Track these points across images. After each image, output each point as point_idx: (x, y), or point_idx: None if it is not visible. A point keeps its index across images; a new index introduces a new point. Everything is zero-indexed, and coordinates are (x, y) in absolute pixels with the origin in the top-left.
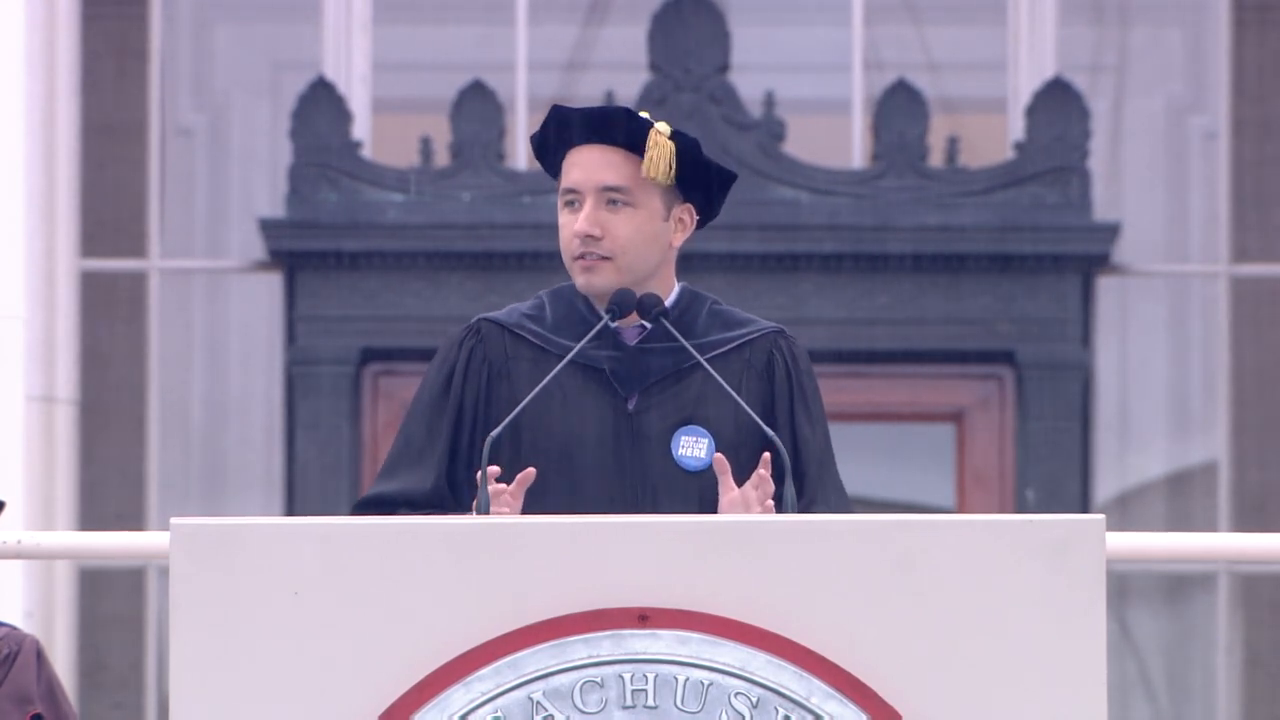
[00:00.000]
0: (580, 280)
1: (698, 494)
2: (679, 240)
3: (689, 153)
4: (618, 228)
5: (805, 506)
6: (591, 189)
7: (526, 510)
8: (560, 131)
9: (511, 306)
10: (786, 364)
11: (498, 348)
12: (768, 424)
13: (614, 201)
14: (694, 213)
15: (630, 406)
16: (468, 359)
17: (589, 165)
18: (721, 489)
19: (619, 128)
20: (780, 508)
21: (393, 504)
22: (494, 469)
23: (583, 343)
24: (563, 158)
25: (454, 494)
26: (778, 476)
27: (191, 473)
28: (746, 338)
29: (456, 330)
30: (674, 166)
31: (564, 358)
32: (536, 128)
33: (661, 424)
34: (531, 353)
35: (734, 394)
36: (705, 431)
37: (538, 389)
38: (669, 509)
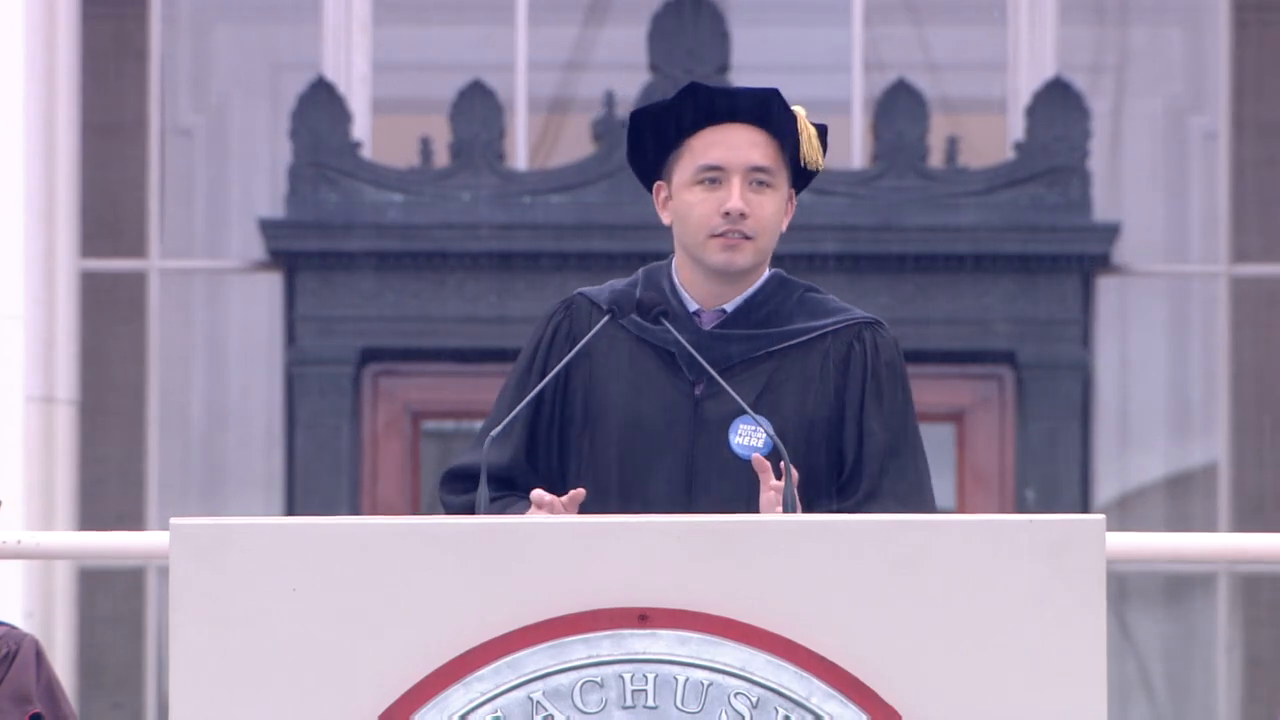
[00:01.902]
0: (720, 258)
1: (750, 482)
2: (786, 225)
3: (823, 138)
4: (762, 208)
5: (860, 502)
6: (740, 168)
7: (588, 485)
8: (699, 107)
9: (610, 282)
10: (865, 356)
11: (585, 324)
12: (839, 415)
13: (760, 182)
14: (794, 197)
15: (697, 392)
16: (553, 334)
17: (737, 144)
18: (761, 487)
19: (770, 109)
20: (783, 508)
21: (474, 477)
22: (580, 492)
23: (585, 339)
24: (684, 135)
25: (534, 466)
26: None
27: (191, 473)
28: (829, 328)
29: (552, 304)
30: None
31: (639, 337)
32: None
33: (724, 411)
34: (616, 331)
35: (745, 406)
36: (764, 421)
37: (543, 384)
38: (721, 496)
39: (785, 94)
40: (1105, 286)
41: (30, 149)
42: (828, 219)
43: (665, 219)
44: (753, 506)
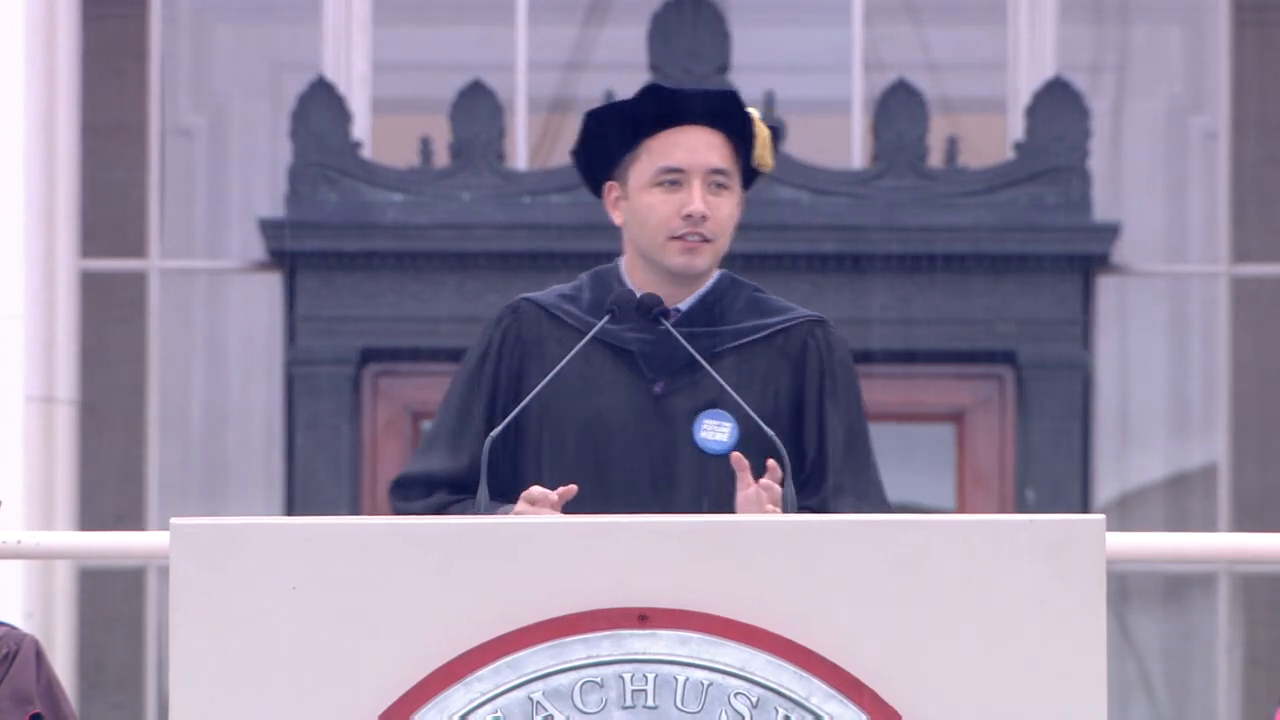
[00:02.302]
0: (680, 261)
1: (721, 477)
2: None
3: (775, 140)
4: (720, 210)
5: (828, 496)
6: (700, 170)
7: (553, 487)
8: (658, 108)
9: (553, 287)
10: (820, 352)
11: (533, 327)
12: (796, 413)
13: (719, 184)
14: (743, 198)
15: (657, 389)
16: (502, 338)
17: (697, 146)
18: (739, 485)
19: (728, 111)
20: (782, 507)
21: (429, 483)
22: (571, 488)
23: (581, 343)
24: (641, 136)
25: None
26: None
27: (191, 473)
28: (781, 325)
29: (499, 309)
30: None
31: (596, 338)
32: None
33: (686, 407)
34: (567, 334)
35: (735, 395)
36: (729, 416)
37: (541, 385)
38: (690, 492)
39: (785, 94)
40: (1105, 286)
41: (30, 149)
42: (828, 219)
43: (617, 219)
44: (721, 500)
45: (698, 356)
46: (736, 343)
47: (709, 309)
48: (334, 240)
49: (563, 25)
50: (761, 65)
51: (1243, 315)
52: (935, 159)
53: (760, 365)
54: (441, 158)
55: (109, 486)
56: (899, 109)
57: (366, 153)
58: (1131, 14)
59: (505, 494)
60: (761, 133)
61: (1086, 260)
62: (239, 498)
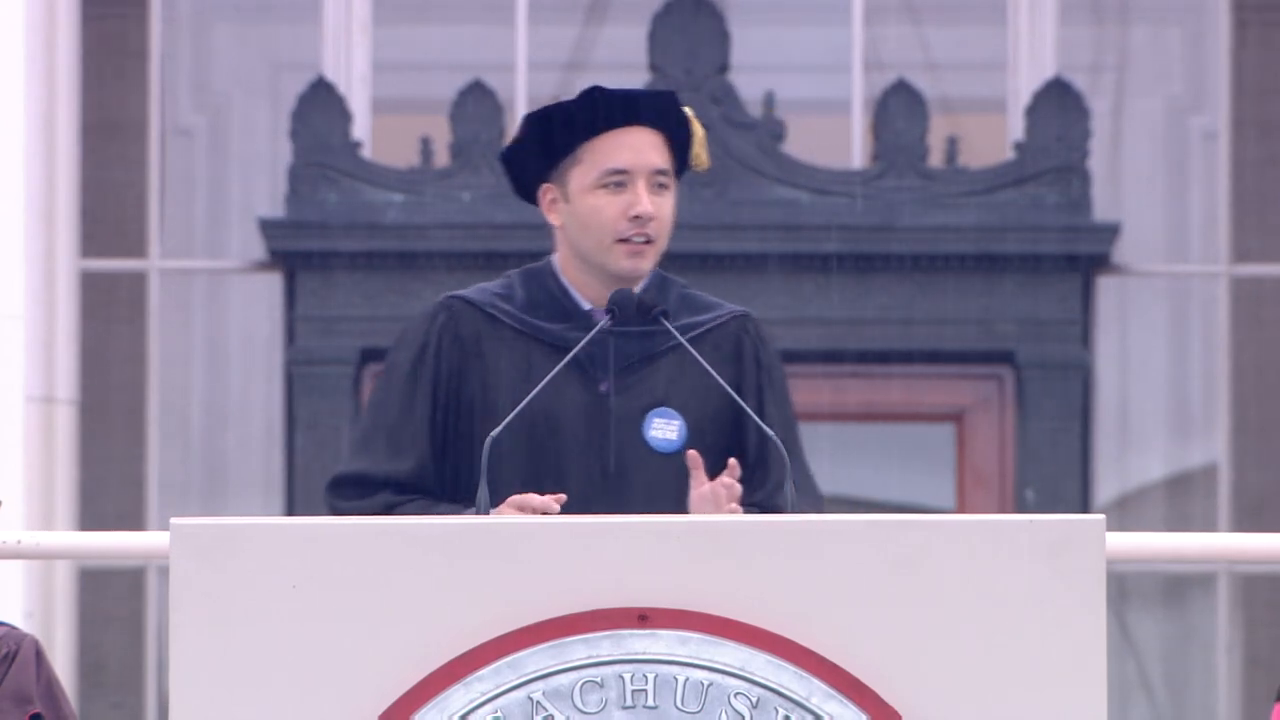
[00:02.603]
0: (626, 265)
1: (671, 475)
2: None
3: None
4: (663, 210)
5: (772, 492)
6: (645, 171)
7: (505, 490)
8: (601, 111)
9: (479, 286)
10: (755, 346)
11: (470, 326)
12: (734, 405)
13: (661, 185)
14: None
15: (603, 389)
16: (439, 336)
17: (640, 147)
18: (692, 483)
19: (668, 112)
20: (782, 507)
21: (370, 483)
22: (560, 497)
23: (582, 344)
24: (582, 139)
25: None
26: (779, 477)
27: (191, 473)
28: (716, 321)
29: (426, 307)
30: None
31: (537, 338)
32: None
33: (634, 406)
34: (504, 332)
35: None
36: (677, 414)
37: (541, 385)
38: (641, 490)
39: (785, 94)
40: (1105, 286)
41: (30, 149)
42: (828, 219)
43: (554, 221)
44: (675, 498)
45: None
46: (678, 340)
47: (646, 308)
48: (334, 240)
49: (563, 25)
50: (761, 65)
51: (1243, 315)
52: (935, 159)
53: (697, 361)
54: (441, 158)
55: (109, 486)
56: (899, 109)
57: (366, 153)
58: (1131, 14)
59: (445, 496)
60: (698, 132)
61: (1086, 260)
62: (239, 498)
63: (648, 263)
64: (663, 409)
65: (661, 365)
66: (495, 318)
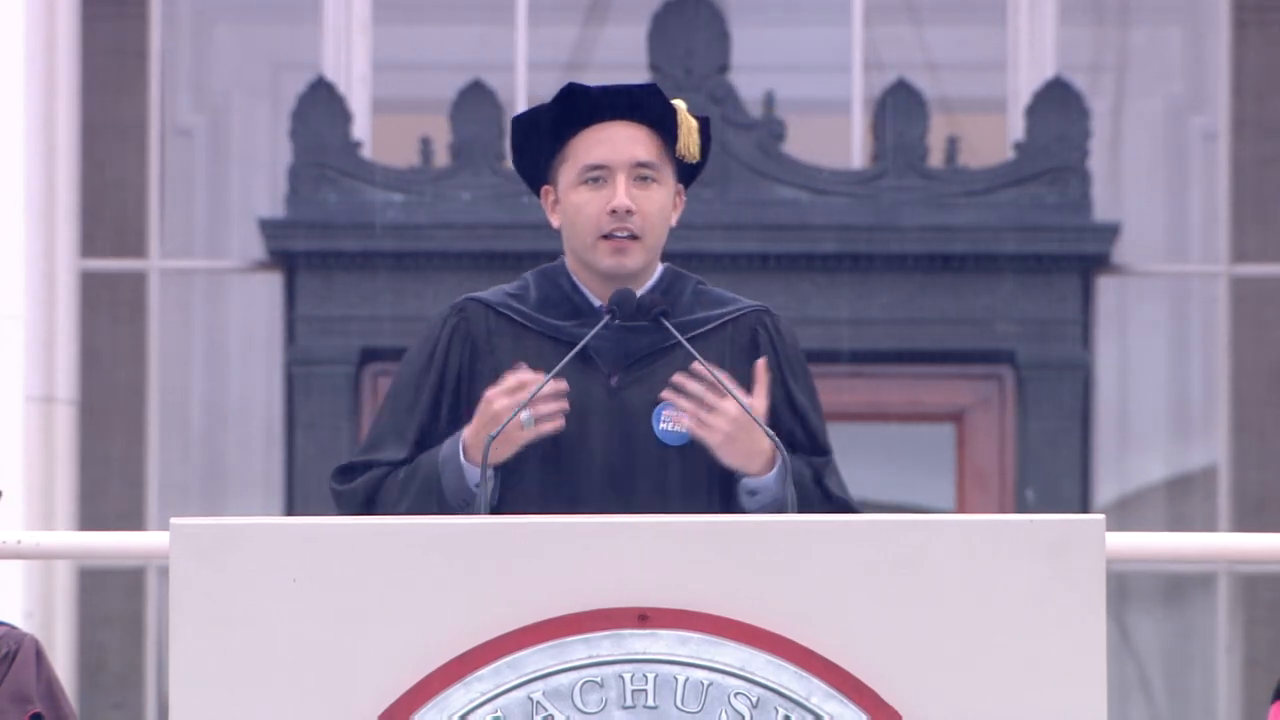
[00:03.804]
0: (610, 262)
1: (679, 468)
2: (675, 219)
3: (705, 131)
4: (647, 204)
5: (821, 469)
6: (624, 165)
7: (511, 486)
8: (578, 108)
9: (497, 287)
10: (772, 339)
11: (481, 325)
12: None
13: (644, 178)
14: (683, 192)
15: (613, 383)
16: (450, 336)
17: (619, 141)
18: (713, 402)
19: (649, 104)
20: (782, 508)
21: (368, 468)
22: (526, 376)
23: (585, 340)
24: (565, 137)
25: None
26: (779, 476)
27: (191, 473)
28: (729, 316)
29: (442, 308)
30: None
31: (547, 335)
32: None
33: (644, 400)
34: (515, 330)
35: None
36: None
37: (547, 379)
38: (649, 483)
39: (785, 94)
40: (1105, 286)
41: (30, 149)
42: (828, 219)
43: (555, 222)
44: (684, 492)
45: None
46: (690, 334)
47: (646, 308)
48: (334, 240)
49: (563, 25)
50: (761, 65)
51: (1243, 315)
52: (935, 159)
53: (711, 356)
54: (441, 158)
55: (109, 486)
56: (899, 109)
57: (366, 153)
58: (1131, 14)
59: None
60: (687, 123)
61: (1086, 260)
62: (239, 498)
63: (632, 259)
64: (669, 403)
65: (673, 359)
66: (508, 316)
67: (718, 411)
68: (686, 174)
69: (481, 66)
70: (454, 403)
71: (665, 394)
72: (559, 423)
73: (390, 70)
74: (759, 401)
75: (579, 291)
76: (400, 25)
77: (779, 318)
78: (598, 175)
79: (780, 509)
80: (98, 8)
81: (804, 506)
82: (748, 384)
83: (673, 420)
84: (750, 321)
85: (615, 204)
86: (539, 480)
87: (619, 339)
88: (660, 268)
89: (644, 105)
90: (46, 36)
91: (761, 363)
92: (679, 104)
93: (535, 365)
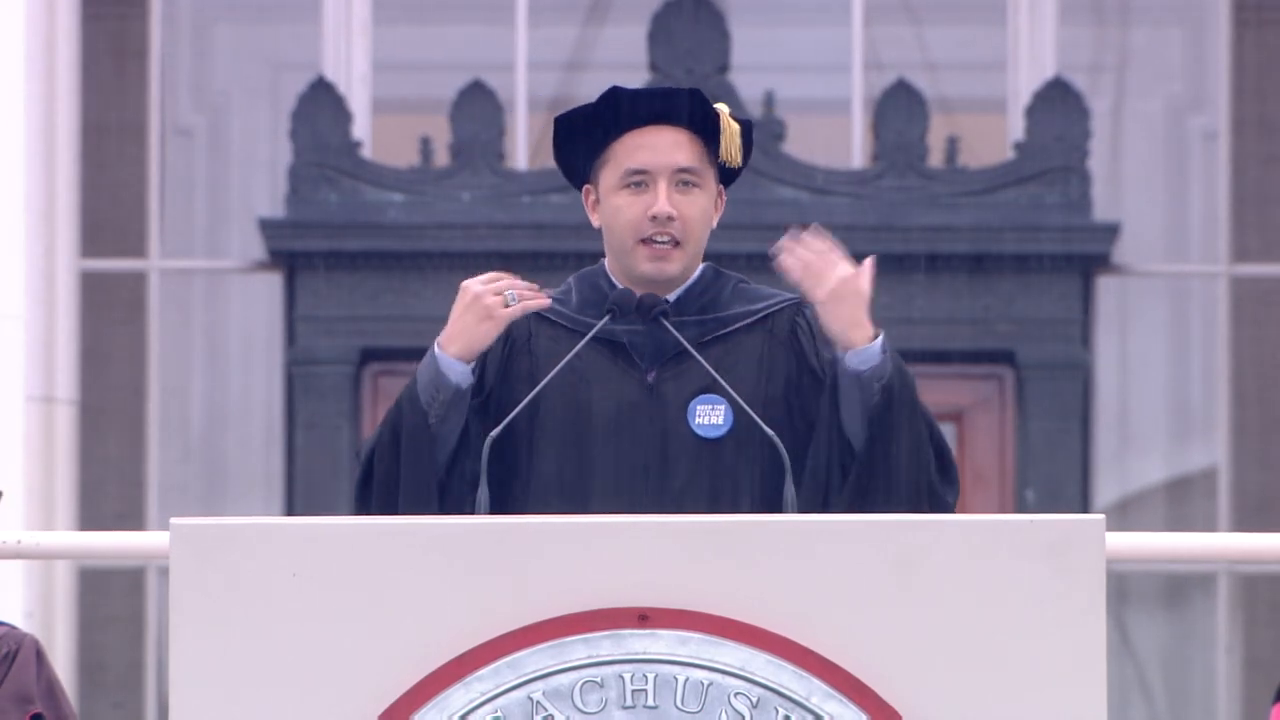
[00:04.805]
0: (649, 268)
1: (712, 462)
2: (715, 222)
3: (746, 135)
4: (689, 209)
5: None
6: (665, 171)
7: (546, 478)
8: (621, 111)
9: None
10: (811, 332)
11: (520, 325)
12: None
13: (686, 183)
14: (724, 193)
15: (650, 379)
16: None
17: (661, 147)
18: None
19: (692, 109)
20: (781, 507)
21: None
22: (509, 281)
23: (585, 340)
24: (607, 140)
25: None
26: (778, 474)
27: (191, 473)
28: (767, 310)
29: None
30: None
31: (574, 330)
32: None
33: (680, 394)
34: (554, 330)
35: (726, 386)
36: (722, 399)
37: (542, 384)
38: (682, 477)
39: (785, 94)
40: (1105, 286)
41: (30, 149)
42: (828, 219)
43: (595, 222)
44: (717, 486)
45: (689, 347)
46: (725, 330)
47: (696, 300)
48: (334, 240)
49: (563, 25)
50: (761, 65)
51: (1243, 315)
52: (935, 159)
53: (751, 350)
54: (441, 158)
55: (109, 486)
56: (899, 109)
57: (366, 153)
58: (1131, 14)
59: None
60: (729, 128)
61: (1086, 260)
62: (239, 498)
63: (673, 266)
64: (707, 395)
65: (709, 354)
66: (545, 318)
67: (831, 266)
68: (727, 175)
69: (481, 66)
70: (488, 398)
71: (784, 240)
72: (544, 300)
73: (390, 70)
74: (865, 283)
75: (617, 289)
76: (400, 25)
77: (813, 308)
78: (640, 180)
79: (886, 387)
80: (98, 8)
81: (905, 392)
82: (788, 375)
83: (708, 414)
84: (789, 314)
85: (657, 210)
86: (575, 472)
87: (655, 335)
88: (700, 267)
89: (687, 110)
90: (46, 36)
91: (870, 259)
92: (722, 108)
93: (572, 362)
